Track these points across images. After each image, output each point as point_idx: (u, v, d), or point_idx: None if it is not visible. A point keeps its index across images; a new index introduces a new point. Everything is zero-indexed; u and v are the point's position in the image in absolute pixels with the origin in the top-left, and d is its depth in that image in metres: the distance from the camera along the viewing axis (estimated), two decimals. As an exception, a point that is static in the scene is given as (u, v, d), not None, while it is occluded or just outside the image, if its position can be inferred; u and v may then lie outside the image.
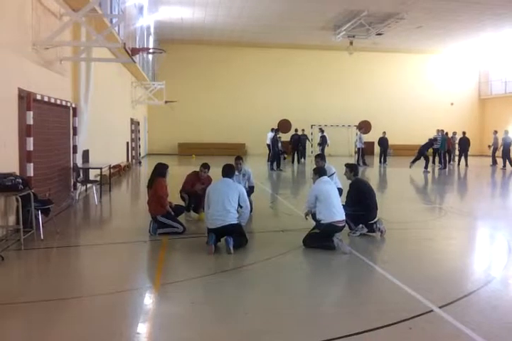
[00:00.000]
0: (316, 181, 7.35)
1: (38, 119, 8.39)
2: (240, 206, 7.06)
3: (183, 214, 8.61)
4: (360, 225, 7.73)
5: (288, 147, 25.60)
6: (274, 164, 20.88)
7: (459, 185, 17.65)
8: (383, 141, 24.86)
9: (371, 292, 5.39)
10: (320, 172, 7.46)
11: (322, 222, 6.91)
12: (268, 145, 26.37)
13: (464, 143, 23.75)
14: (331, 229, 6.87)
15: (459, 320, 4.32)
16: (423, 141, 22.29)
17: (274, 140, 21.94)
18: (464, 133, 24.17)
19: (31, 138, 7.91)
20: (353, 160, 24.25)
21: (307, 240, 6.97)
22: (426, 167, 20.47)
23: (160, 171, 8.01)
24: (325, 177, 7.39)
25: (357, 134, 25.21)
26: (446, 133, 23.69)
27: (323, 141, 25.28)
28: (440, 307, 4.62)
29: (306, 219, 7.51)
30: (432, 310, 4.57)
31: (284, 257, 6.53)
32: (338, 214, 6.98)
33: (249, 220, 7.90)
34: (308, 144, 26.57)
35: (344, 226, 7.16)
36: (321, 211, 6.98)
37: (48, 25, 9.26)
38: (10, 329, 4.18)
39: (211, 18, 24.40)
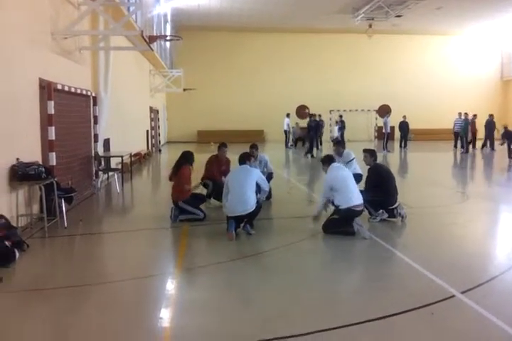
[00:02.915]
0: (328, 170, 7.19)
1: (59, 109, 8.49)
2: (258, 186, 7.10)
3: (204, 202, 8.67)
4: (381, 210, 7.68)
5: (306, 133, 25.45)
6: (314, 150, 20.43)
7: (481, 170, 17.39)
8: (403, 126, 24.50)
9: (392, 277, 5.38)
10: (328, 160, 7.30)
11: (340, 207, 6.89)
12: (285, 131, 26.34)
13: (490, 126, 23.05)
14: (350, 214, 6.85)
15: (481, 305, 4.29)
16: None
17: (309, 125, 21.48)
18: (490, 115, 23.36)
19: (53, 128, 8.02)
20: (372, 146, 24.09)
21: (327, 226, 6.97)
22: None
23: (186, 159, 8.07)
24: (335, 164, 7.26)
25: (383, 119, 24.82)
26: (467, 115, 22.89)
27: (341, 126, 25.07)
28: (462, 293, 4.59)
29: (316, 220, 7.18)
30: (453, 296, 4.55)
31: (304, 243, 6.55)
32: (356, 199, 6.92)
33: (268, 205, 7.91)
34: (326, 129, 26.32)
35: (363, 210, 7.09)
36: (338, 197, 6.93)
37: (67, 15, 9.32)
38: (37, 315, 4.29)
39: (228, 3, 24.23)
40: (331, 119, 27.56)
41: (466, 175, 15.57)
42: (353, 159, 9.29)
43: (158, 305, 4.46)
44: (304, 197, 10.73)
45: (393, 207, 7.69)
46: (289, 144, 26.42)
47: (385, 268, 5.75)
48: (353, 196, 6.92)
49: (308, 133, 21.31)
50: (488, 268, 5.57)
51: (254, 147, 9.66)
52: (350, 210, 6.85)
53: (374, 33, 27.21)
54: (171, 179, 8.11)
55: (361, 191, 7.94)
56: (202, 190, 9.04)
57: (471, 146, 22.50)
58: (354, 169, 9.15)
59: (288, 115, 26.69)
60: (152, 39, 13.58)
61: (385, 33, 29.47)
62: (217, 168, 9.32)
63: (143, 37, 11.09)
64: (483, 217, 8.59)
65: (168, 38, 21.81)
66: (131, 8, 12.91)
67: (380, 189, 7.65)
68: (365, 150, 8.11)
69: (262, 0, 23.46)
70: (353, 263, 6.01)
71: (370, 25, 26.70)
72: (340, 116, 25.76)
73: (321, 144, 24.54)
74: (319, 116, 25.33)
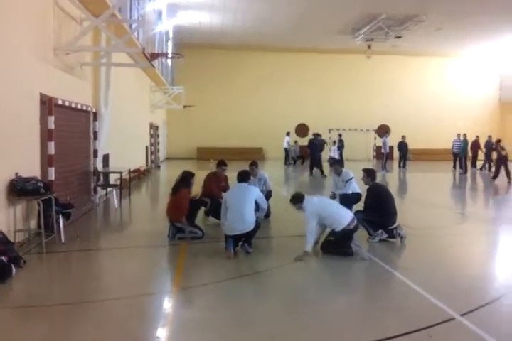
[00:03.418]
0: (303, 207, 6.85)
1: (59, 124, 8.50)
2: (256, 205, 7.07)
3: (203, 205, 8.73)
4: (380, 230, 7.64)
5: (306, 151, 25.49)
6: (315, 170, 20.21)
7: (480, 191, 17.39)
8: (402, 146, 24.57)
9: (391, 299, 5.33)
10: (297, 199, 6.93)
11: (336, 230, 6.81)
12: (285, 150, 26.42)
13: (489, 147, 23.17)
14: (347, 233, 6.77)
15: (481, 328, 4.24)
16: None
17: (313, 144, 21.42)
18: (489, 137, 23.48)
19: (53, 143, 8.03)
20: (371, 165, 24.10)
21: (324, 246, 6.91)
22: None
23: (186, 181, 8.00)
24: (306, 199, 6.91)
25: (382, 139, 24.84)
26: (466, 136, 23.06)
27: (340, 146, 25.09)
28: (462, 315, 4.54)
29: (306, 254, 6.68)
30: (453, 318, 4.50)
31: (302, 263, 6.48)
32: (347, 218, 6.81)
33: (267, 224, 7.88)
34: (326, 148, 26.30)
35: (357, 225, 6.92)
36: (330, 222, 6.83)
37: (69, 31, 9.40)
38: (33, 332, 4.23)
39: (229, 22, 24.51)
40: (330, 138, 27.65)
41: (465, 195, 15.56)
42: (351, 178, 9.29)
43: (155, 324, 4.40)
44: (302, 216, 10.67)
45: (392, 227, 7.66)
46: (288, 162, 26.47)
47: (383, 289, 5.70)
48: (343, 216, 6.83)
49: (311, 154, 21.28)
50: (488, 291, 5.53)
51: (254, 164, 9.67)
52: (346, 230, 6.75)
53: (373, 54, 27.47)
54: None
55: (360, 211, 7.93)
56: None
57: (469, 166, 22.57)
58: (353, 188, 9.16)
59: (288, 133, 26.87)
60: (154, 56, 13.72)
61: (385, 53, 29.78)
62: (215, 185, 9.30)
63: (144, 54, 11.19)
64: (483, 239, 8.55)
65: (169, 55, 22.00)
66: (134, 26, 13.05)
67: (379, 209, 7.63)
68: (363, 170, 8.12)
69: (263, 19, 23.74)
70: (351, 284, 5.95)
71: (370, 46, 26.98)
72: (340, 136, 25.82)
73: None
74: (316, 135, 25.26)
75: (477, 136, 23.82)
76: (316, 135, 22.13)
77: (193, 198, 8.22)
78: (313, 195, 7.25)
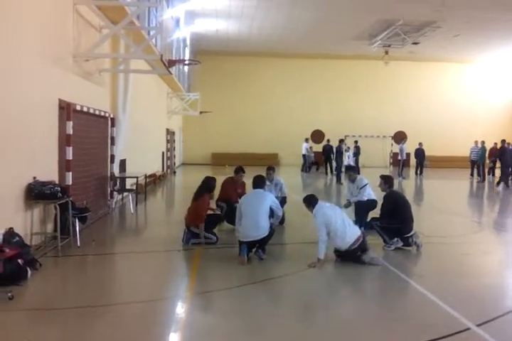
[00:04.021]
0: (314, 214, 6.76)
1: (77, 129, 8.61)
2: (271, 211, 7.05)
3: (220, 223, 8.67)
4: (396, 239, 7.55)
5: (320, 158, 25.46)
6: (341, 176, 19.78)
7: (497, 199, 17.15)
8: (419, 152, 24.36)
9: (406, 307, 5.28)
10: (308, 202, 6.89)
11: (340, 250, 6.68)
12: (303, 156, 26.32)
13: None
14: (351, 253, 6.59)
15: (497, 338, 4.18)
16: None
17: (338, 150, 21.29)
18: (507, 142, 23.08)
19: (70, 148, 8.12)
20: (387, 172, 23.93)
21: (337, 254, 6.85)
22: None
23: (208, 186, 8.08)
24: (319, 205, 6.82)
25: (399, 145, 24.64)
26: (484, 144, 22.67)
27: (356, 152, 24.94)
28: (478, 326, 4.48)
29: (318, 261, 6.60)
30: (469, 328, 4.44)
31: (316, 269, 6.44)
32: (350, 236, 6.55)
33: (281, 230, 7.86)
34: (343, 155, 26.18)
35: (363, 244, 6.67)
36: (331, 237, 6.65)
37: (89, 38, 9.55)
38: (46, 334, 4.27)
39: (246, 29, 24.65)
40: (346, 145, 27.51)
41: (482, 204, 15.36)
42: (365, 185, 9.21)
43: (167, 329, 4.42)
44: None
45: (408, 235, 7.55)
46: (305, 168, 26.33)
47: (398, 297, 5.65)
48: (347, 235, 6.56)
49: (336, 160, 21.21)
50: (505, 301, 5.45)
51: (271, 169, 9.78)
52: (350, 251, 6.59)
53: (390, 60, 27.35)
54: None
55: (376, 218, 7.85)
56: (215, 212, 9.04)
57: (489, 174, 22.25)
58: (368, 195, 9.08)
59: (307, 140, 26.83)
60: (171, 63, 13.82)
61: (402, 59, 29.62)
62: (233, 190, 9.33)
63: (162, 61, 11.29)
64: (500, 248, 8.43)
65: (186, 62, 22.16)
66: (152, 33, 13.19)
67: (396, 216, 7.55)
68: (381, 177, 8.06)
69: (279, 26, 23.82)
70: (365, 292, 5.91)
71: (387, 52, 26.87)
72: (356, 142, 25.67)
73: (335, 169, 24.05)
74: (328, 141, 25.22)
75: (495, 143, 23.40)
76: (341, 141, 22.02)
77: (212, 209, 8.25)
78: (325, 206, 6.94)
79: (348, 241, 6.56)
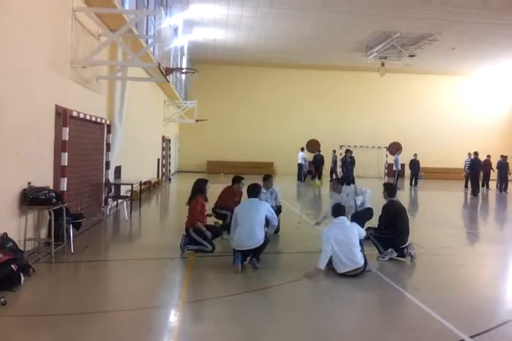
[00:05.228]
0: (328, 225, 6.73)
1: (73, 135, 8.61)
2: (266, 220, 7.04)
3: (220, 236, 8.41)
4: (390, 249, 7.54)
5: (312, 167, 25.72)
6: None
7: (491, 211, 17.22)
8: (414, 164, 24.46)
9: (400, 319, 5.27)
10: (337, 210, 6.83)
11: (336, 270, 6.58)
12: (299, 165, 26.40)
13: (503, 167, 22.78)
14: (345, 275, 6.50)
15: (492, 350, 4.18)
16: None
17: (345, 161, 21.30)
18: (502, 156, 23.12)
19: (66, 154, 8.11)
20: (382, 182, 23.96)
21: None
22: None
23: (199, 188, 8.09)
24: (337, 220, 6.75)
25: (394, 156, 24.75)
26: (476, 155, 22.29)
27: (351, 162, 24.91)
28: (471, 337, 4.47)
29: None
30: (463, 340, 4.43)
31: (311, 279, 6.42)
32: (350, 265, 6.42)
33: (276, 239, 7.84)
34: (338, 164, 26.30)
35: (359, 272, 6.45)
36: (334, 259, 6.54)
37: (87, 45, 9.57)
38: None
39: (243, 39, 24.79)
40: (341, 154, 27.59)
41: (476, 216, 15.40)
42: (364, 193, 9.20)
43: (160, 338, 4.38)
44: (312, 232, 10.62)
45: (404, 246, 7.55)
46: (301, 178, 26.38)
47: (393, 309, 5.64)
48: (347, 261, 6.43)
49: (346, 169, 21.25)
50: (499, 313, 5.45)
51: (271, 176, 9.88)
52: (345, 275, 6.46)
53: (387, 72, 27.54)
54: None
55: (372, 227, 7.86)
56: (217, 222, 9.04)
57: (484, 187, 22.32)
58: (364, 203, 9.11)
59: (302, 149, 26.95)
60: (168, 71, 13.86)
61: (398, 71, 29.88)
62: (231, 199, 9.32)
63: (160, 69, 11.32)
64: (494, 260, 8.44)
65: (184, 70, 22.24)
66: (150, 41, 13.24)
67: (393, 226, 7.54)
68: (384, 185, 8.11)
69: (277, 36, 23.99)
70: (360, 303, 5.88)
71: (383, 64, 27.10)
72: (350, 152, 25.63)
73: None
74: (319, 151, 25.61)
75: (488, 156, 23.52)
76: (347, 151, 22.04)
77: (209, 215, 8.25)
78: (340, 224, 6.74)
79: (341, 269, 6.45)
